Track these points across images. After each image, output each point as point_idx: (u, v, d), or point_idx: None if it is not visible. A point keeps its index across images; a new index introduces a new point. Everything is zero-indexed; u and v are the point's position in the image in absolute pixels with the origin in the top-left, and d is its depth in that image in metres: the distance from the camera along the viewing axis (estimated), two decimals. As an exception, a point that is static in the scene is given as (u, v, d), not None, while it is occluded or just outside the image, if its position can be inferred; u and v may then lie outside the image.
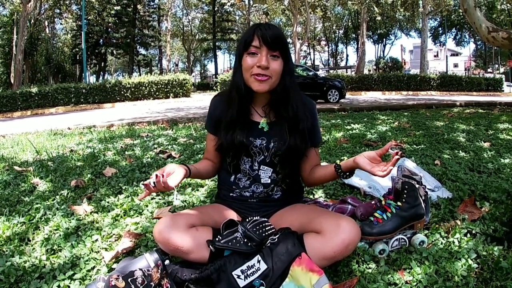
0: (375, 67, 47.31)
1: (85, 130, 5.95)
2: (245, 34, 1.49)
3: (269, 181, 1.61)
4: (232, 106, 1.54)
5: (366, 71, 34.20)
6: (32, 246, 1.76)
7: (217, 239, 1.39)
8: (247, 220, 1.45)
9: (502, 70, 44.32)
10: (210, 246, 1.37)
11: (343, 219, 1.37)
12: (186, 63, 48.82)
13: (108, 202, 2.25)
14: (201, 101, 15.86)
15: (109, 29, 34.08)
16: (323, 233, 1.35)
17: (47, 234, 1.86)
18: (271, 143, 1.57)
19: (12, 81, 21.42)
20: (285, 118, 1.55)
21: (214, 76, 36.58)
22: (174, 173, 1.41)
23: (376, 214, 1.62)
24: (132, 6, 34.14)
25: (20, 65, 20.27)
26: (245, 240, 1.37)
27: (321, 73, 21.14)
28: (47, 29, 34.11)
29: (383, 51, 53.83)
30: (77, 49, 33.59)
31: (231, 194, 1.65)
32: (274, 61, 1.45)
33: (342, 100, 13.69)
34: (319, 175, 1.63)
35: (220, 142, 1.59)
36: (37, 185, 2.68)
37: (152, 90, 17.62)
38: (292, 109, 1.53)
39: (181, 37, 43.97)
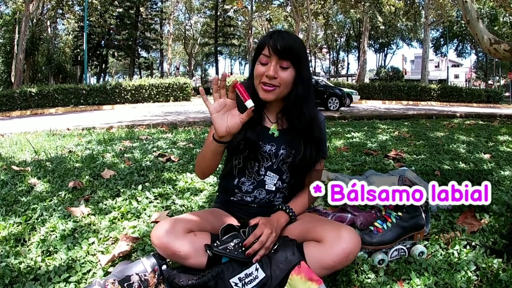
0: (376, 77, 47.43)
1: (84, 132, 5.94)
2: (260, 40, 1.49)
3: (273, 188, 1.59)
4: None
5: (367, 80, 34.33)
6: (27, 247, 1.75)
7: (215, 244, 1.37)
8: (247, 228, 1.43)
9: (502, 82, 44.51)
10: (208, 250, 1.35)
11: (344, 228, 1.36)
12: (187, 67, 48.90)
13: (105, 205, 2.24)
14: (201, 106, 15.85)
15: (111, 31, 34.24)
16: (324, 242, 1.33)
17: (43, 235, 1.84)
18: (280, 150, 1.56)
19: (13, 80, 21.44)
20: (297, 127, 1.53)
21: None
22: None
23: (376, 224, 1.61)
24: (134, 9, 34.34)
25: (21, 64, 20.32)
26: (243, 248, 1.35)
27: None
28: (49, 29, 34.16)
29: (385, 60, 54.09)
30: (78, 50, 33.73)
31: (232, 198, 1.63)
32: (283, 71, 1.43)
33: (342, 108, 13.72)
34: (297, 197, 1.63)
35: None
36: (35, 185, 2.66)
37: (152, 93, 17.66)
38: (304, 119, 1.51)
39: (183, 41, 44.12)
